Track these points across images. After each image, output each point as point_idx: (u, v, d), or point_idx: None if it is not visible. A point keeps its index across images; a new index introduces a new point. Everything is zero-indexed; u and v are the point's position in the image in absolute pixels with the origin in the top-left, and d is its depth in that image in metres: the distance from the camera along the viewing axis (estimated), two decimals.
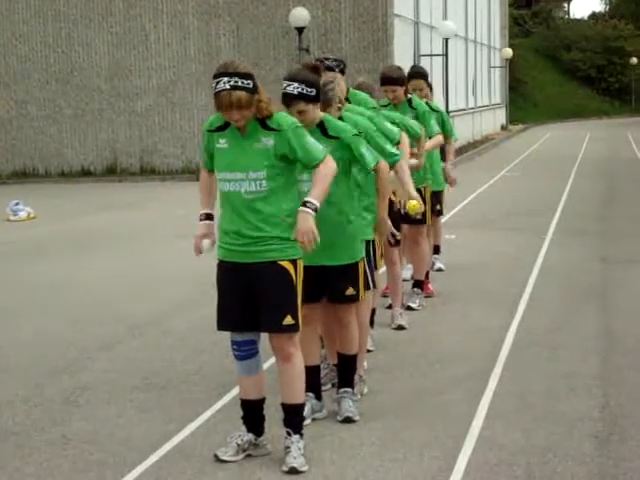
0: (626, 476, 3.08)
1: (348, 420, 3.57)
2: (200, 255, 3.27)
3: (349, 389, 3.67)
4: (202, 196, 3.32)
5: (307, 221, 3.03)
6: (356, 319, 3.65)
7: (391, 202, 4.48)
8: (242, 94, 3.00)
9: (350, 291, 3.56)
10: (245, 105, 3.01)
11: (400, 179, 4.03)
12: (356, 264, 3.58)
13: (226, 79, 2.99)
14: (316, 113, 3.44)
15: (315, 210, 3.07)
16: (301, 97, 3.35)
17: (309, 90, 3.36)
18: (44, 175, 16.18)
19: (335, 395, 3.71)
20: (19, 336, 5.14)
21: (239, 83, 2.99)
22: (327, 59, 4.22)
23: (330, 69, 4.03)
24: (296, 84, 3.34)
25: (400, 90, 5.22)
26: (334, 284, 3.53)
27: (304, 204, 3.07)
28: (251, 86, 3.03)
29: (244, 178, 3.09)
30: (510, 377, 4.14)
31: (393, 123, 4.48)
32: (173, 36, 15.74)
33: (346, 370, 3.67)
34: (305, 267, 3.20)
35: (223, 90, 3.00)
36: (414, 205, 4.12)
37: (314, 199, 3.07)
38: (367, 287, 3.77)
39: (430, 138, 5.32)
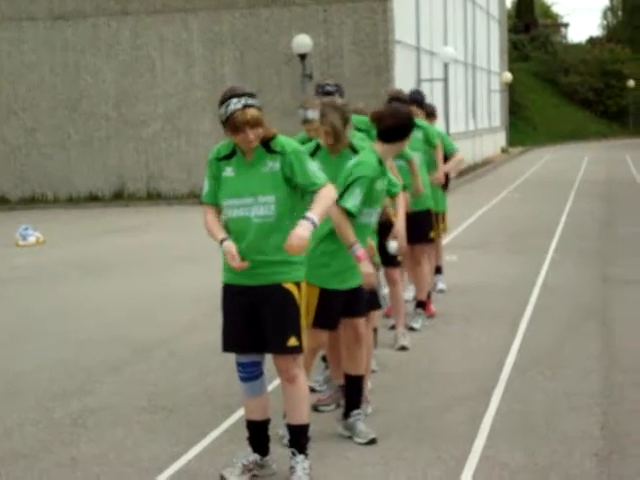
0: None
1: (373, 441, 3.57)
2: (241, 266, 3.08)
3: (360, 411, 3.69)
4: (213, 227, 3.20)
5: (304, 230, 3.03)
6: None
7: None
8: (254, 111, 3.08)
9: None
10: (258, 122, 3.09)
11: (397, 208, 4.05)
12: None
13: (235, 100, 3.07)
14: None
15: (314, 226, 3.07)
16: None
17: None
18: (53, 201, 16.34)
19: (347, 419, 3.67)
20: (28, 360, 5.21)
21: (249, 101, 3.08)
22: (328, 85, 4.36)
23: (330, 93, 4.18)
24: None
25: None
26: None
27: (305, 218, 3.07)
28: (259, 105, 3.12)
29: (253, 203, 3.13)
30: (512, 396, 4.19)
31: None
32: (178, 64, 15.99)
33: (354, 391, 3.65)
34: None
35: (236, 110, 3.06)
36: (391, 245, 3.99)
37: (314, 215, 3.09)
38: (372, 307, 3.84)
39: (433, 148, 5.88)
